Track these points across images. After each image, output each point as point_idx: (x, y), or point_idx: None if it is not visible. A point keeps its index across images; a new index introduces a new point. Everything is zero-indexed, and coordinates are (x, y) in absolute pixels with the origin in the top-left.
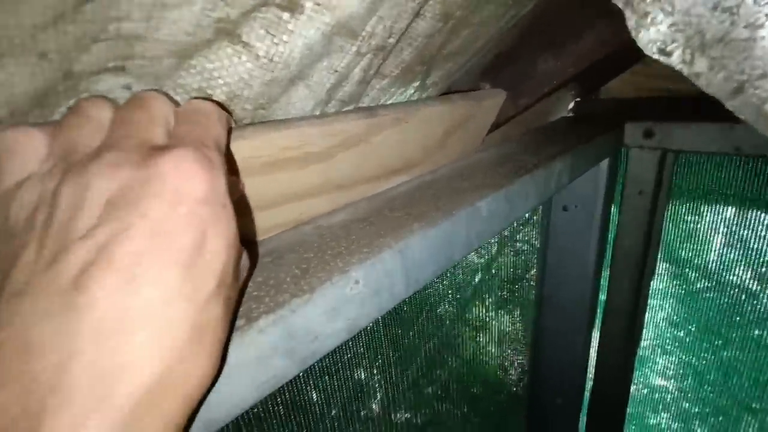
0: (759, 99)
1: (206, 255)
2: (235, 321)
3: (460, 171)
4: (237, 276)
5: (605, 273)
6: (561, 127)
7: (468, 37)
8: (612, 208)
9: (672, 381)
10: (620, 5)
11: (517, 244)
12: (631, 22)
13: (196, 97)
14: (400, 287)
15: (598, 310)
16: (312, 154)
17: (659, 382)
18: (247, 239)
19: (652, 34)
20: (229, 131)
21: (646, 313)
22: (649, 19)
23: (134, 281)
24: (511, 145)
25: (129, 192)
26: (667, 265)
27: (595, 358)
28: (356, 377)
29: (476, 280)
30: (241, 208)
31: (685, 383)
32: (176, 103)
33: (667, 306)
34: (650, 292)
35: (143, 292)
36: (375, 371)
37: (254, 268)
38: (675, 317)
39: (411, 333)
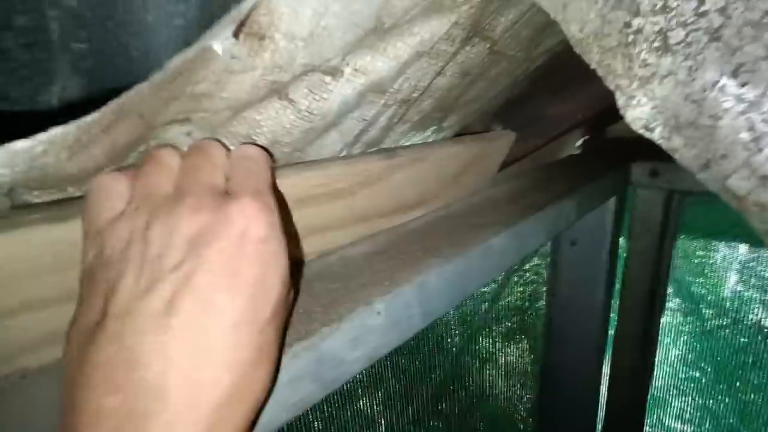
0: (721, 175)
1: (266, 286)
2: (284, 343)
3: (473, 207)
4: (287, 305)
5: (614, 308)
6: (569, 164)
7: (483, 88)
8: (620, 244)
9: (688, 425)
10: (611, 87)
11: (526, 277)
12: (620, 101)
13: (244, 143)
14: (417, 319)
15: (608, 347)
16: (337, 190)
17: (675, 425)
18: (294, 262)
19: (638, 113)
20: (273, 170)
21: (660, 352)
22: (635, 101)
23: (211, 308)
24: (521, 181)
25: (207, 233)
26: (681, 302)
27: (606, 395)
28: (360, 406)
29: (484, 312)
30: (290, 238)
31: (702, 428)
32: (227, 148)
33: (681, 344)
34: (663, 329)
35: (218, 316)
36: (379, 401)
37: (297, 296)
38: (690, 356)
39: (417, 364)
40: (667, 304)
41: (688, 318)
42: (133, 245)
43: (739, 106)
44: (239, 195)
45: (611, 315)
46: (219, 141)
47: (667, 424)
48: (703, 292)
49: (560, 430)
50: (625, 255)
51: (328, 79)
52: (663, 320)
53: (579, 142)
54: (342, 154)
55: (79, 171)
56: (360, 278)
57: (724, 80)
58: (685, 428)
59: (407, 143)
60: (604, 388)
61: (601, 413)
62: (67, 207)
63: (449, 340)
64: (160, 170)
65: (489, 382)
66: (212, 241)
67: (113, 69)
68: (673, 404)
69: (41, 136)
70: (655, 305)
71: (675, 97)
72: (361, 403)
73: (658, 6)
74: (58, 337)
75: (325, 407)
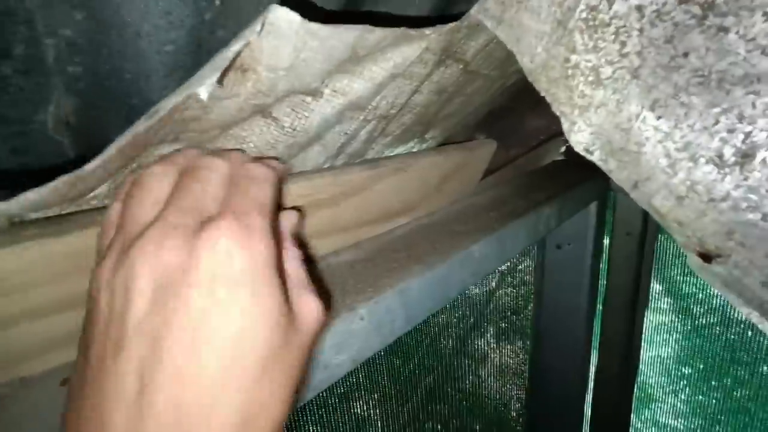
0: (647, 195)
1: (247, 340)
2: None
3: (455, 214)
4: (294, 348)
5: (599, 308)
6: (551, 171)
7: (461, 103)
8: (604, 246)
9: (680, 421)
10: (557, 113)
11: (514, 280)
12: (565, 126)
13: (257, 157)
14: (399, 323)
15: (594, 345)
16: (321, 200)
17: (667, 421)
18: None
19: (579, 138)
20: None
21: (650, 350)
22: (576, 127)
23: (183, 378)
24: (503, 189)
25: (172, 276)
26: (670, 301)
27: (592, 394)
28: (355, 409)
29: (473, 315)
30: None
31: (695, 423)
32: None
33: (672, 342)
34: (654, 327)
35: (192, 389)
36: (372, 403)
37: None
38: (681, 353)
39: (408, 365)
40: (656, 303)
41: (678, 316)
42: (101, 293)
43: (657, 136)
44: (213, 222)
45: (596, 314)
46: (239, 150)
47: (658, 421)
48: (692, 290)
49: (548, 429)
50: (607, 257)
51: (308, 99)
52: (653, 319)
53: (563, 149)
54: (325, 166)
55: (77, 194)
56: (344, 285)
57: (644, 113)
58: (677, 425)
59: (391, 154)
60: (590, 388)
61: (588, 412)
62: (63, 222)
63: (441, 341)
64: (144, 197)
65: (478, 383)
66: (178, 288)
67: (106, 90)
68: (665, 401)
69: (49, 186)
70: (638, 305)
71: (608, 125)
72: (352, 405)
73: (590, 45)
74: (55, 344)
75: (315, 409)
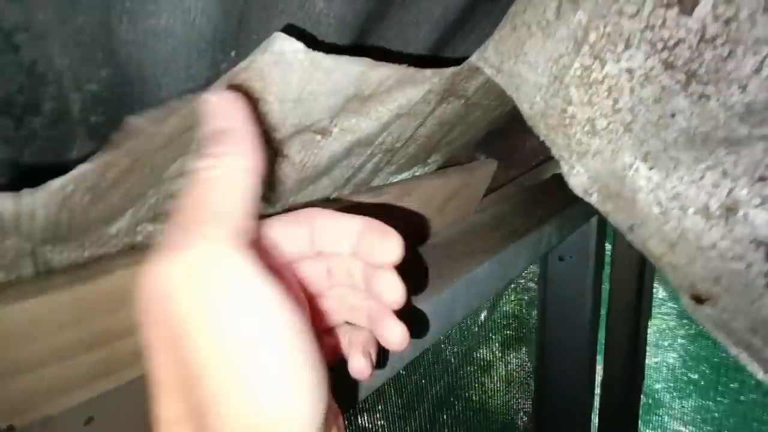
0: (641, 238)
1: None
2: None
3: (459, 235)
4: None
5: (603, 316)
6: (552, 187)
7: (462, 130)
8: (606, 255)
9: (688, 426)
10: (556, 157)
11: (518, 290)
12: (564, 169)
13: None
14: (407, 350)
15: (599, 355)
16: None
17: (675, 426)
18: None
19: (578, 181)
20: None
21: (657, 355)
22: (575, 171)
23: None
24: (504, 206)
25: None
26: (676, 306)
27: (599, 401)
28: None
29: (478, 327)
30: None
31: (704, 429)
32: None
33: (678, 347)
34: (660, 333)
35: None
36: (377, 414)
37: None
38: (687, 358)
39: (414, 375)
40: (662, 308)
41: (683, 321)
42: None
43: (650, 185)
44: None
45: (600, 324)
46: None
47: (666, 427)
48: None
49: None
50: (611, 265)
51: (318, 137)
52: (659, 324)
53: None
54: (332, 196)
55: (99, 218)
56: None
57: (637, 163)
58: (685, 430)
59: (395, 180)
60: (597, 395)
61: (596, 420)
62: (88, 267)
63: (447, 349)
64: None
65: (484, 393)
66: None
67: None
68: (672, 406)
69: (70, 174)
70: (642, 312)
71: (604, 172)
72: (357, 416)
73: (585, 100)
74: (78, 383)
75: None
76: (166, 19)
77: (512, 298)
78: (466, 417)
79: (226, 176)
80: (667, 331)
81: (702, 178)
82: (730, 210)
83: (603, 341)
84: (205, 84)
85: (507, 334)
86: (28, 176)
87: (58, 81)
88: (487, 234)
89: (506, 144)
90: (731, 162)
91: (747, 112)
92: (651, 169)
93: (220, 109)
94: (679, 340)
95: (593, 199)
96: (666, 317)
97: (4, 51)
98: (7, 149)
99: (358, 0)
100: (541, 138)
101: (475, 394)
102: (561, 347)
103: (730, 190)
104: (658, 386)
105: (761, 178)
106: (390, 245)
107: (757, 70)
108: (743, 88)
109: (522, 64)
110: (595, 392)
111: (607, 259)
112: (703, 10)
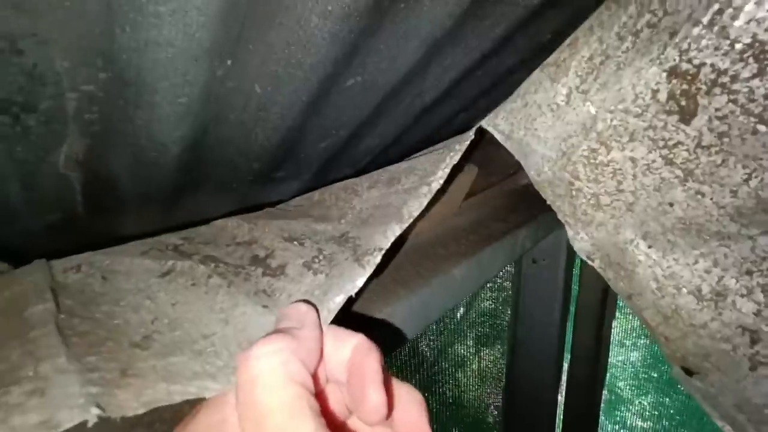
0: (639, 308)
1: None
2: None
3: (438, 238)
4: None
5: (572, 316)
6: (528, 193)
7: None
8: (576, 261)
9: (648, 422)
10: (563, 221)
11: (493, 291)
12: (569, 233)
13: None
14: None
15: (567, 350)
16: None
17: (636, 423)
18: None
19: (582, 246)
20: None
21: (621, 354)
22: (579, 236)
23: None
24: (483, 211)
25: None
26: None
27: (564, 394)
28: None
29: (455, 324)
30: None
31: (660, 424)
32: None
33: (640, 346)
34: (624, 332)
35: None
36: None
37: None
38: (648, 357)
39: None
40: (626, 309)
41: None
42: None
43: (648, 261)
44: None
45: (569, 325)
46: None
47: (626, 422)
48: None
49: (524, 427)
50: (579, 269)
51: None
52: (624, 324)
53: None
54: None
55: None
56: None
57: (637, 240)
58: (644, 425)
59: None
60: (563, 391)
61: (561, 413)
62: None
63: (423, 344)
64: None
65: (456, 388)
66: None
67: (117, 132)
68: (633, 402)
69: None
70: (607, 313)
71: (606, 242)
72: None
73: (591, 177)
74: None
75: None
76: (168, 31)
77: (488, 296)
78: (440, 411)
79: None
80: (630, 331)
81: (696, 263)
82: (719, 296)
83: (570, 339)
84: (202, 86)
85: (482, 330)
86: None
87: (57, 83)
88: (464, 237)
89: (486, 153)
90: (722, 253)
91: (737, 213)
92: (650, 247)
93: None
94: (642, 340)
95: (596, 264)
96: (631, 317)
97: (8, 55)
98: (1, 145)
99: (351, 16)
100: (548, 202)
101: (449, 389)
102: (532, 344)
103: (720, 278)
104: (621, 383)
105: (748, 272)
106: (372, 406)
107: (746, 181)
108: (734, 193)
109: (532, 137)
110: (562, 386)
111: (577, 262)
112: (699, 122)
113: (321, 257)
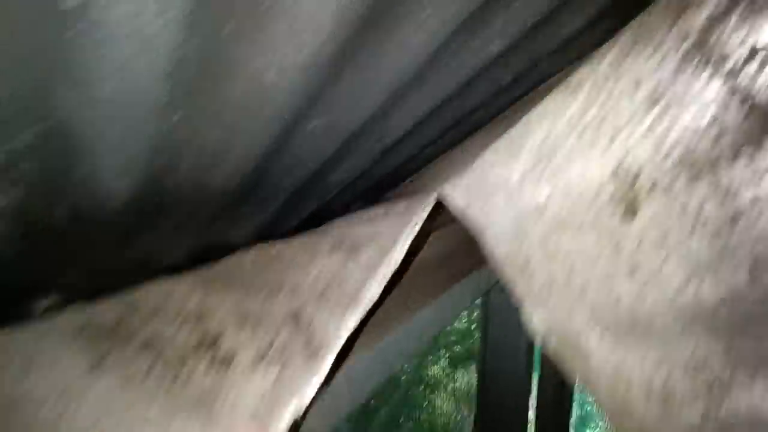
0: (594, 393)
1: None
2: None
3: (406, 276)
4: None
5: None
6: None
7: None
8: None
9: None
10: (519, 299)
11: (464, 317)
12: (525, 312)
13: None
14: (344, 401)
15: (535, 373)
16: None
17: None
18: None
19: (536, 327)
20: None
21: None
22: (534, 318)
23: None
24: (451, 243)
25: None
26: None
27: (535, 412)
28: None
29: (429, 345)
30: None
31: None
32: None
33: None
34: None
35: None
36: None
37: None
38: None
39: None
40: None
41: None
42: None
43: (601, 351)
44: None
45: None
46: None
47: None
48: None
49: None
50: None
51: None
52: None
53: None
54: None
55: None
56: None
57: (590, 329)
58: None
59: None
60: (533, 406)
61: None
62: None
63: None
64: None
65: (431, 407)
66: None
67: (56, 184)
68: (599, 420)
69: None
70: None
71: (561, 327)
72: None
73: (546, 263)
74: None
75: None
76: (112, 87)
77: (463, 318)
78: (413, 429)
79: None
80: None
81: (645, 358)
82: (668, 395)
83: (539, 359)
84: (147, 141)
85: (455, 350)
86: None
87: None
88: (431, 275)
89: None
90: (668, 352)
91: (680, 313)
92: (602, 338)
93: None
94: None
95: (551, 344)
96: None
97: None
98: None
99: (310, 69)
100: (505, 280)
101: (423, 412)
102: (501, 367)
103: (668, 377)
104: (590, 400)
105: (694, 373)
106: None
107: (687, 282)
108: (677, 292)
109: (487, 215)
110: (532, 405)
111: None
112: (642, 220)
113: (273, 348)
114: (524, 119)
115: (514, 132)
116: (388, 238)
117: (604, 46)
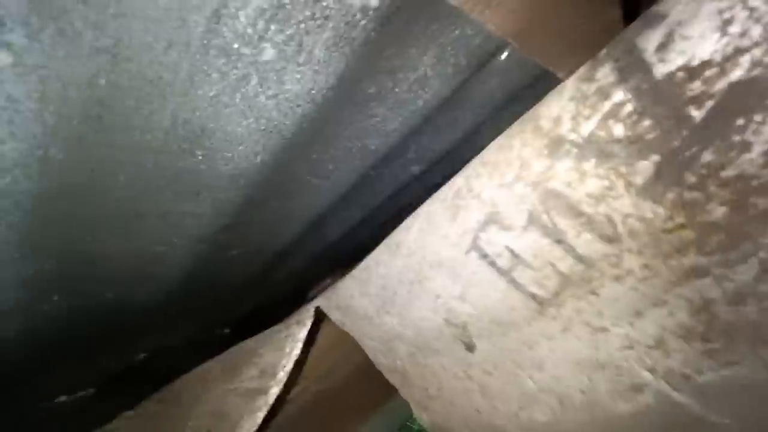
0: None
1: None
2: None
3: (317, 401)
4: None
5: None
6: None
7: None
8: None
9: None
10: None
11: None
12: (414, 412)
13: None
14: None
15: None
16: None
17: None
18: None
19: (427, 423)
20: None
21: None
22: (422, 417)
23: None
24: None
25: None
26: None
27: None
28: None
29: None
30: None
31: None
32: None
33: None
34: None
35: None
36: None
37: None
38: None
39: None
40: None
41: None
42: None
43: None
44: None
45: None
46: None
47: None
48: None
49: None
50: None
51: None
52: None
53: None
54: None
55: None
56: None
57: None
58: None
59: None
60: None
61: None
62: None
63: None
64: None
65: None
66: None
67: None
68: None
69: None
70: None
71: (445, 428)
72: None
73: (417, 374)
74: None
75: None
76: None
77: None
78: None
79: None
80: None
81: None
82: None
83: None
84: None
85: None
86: None
87: None
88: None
89: None
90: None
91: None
92: None
93: None
94: None
95: None
96: None
97: None
98: None
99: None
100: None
101: None
102: None
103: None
104: None
105: None
106: None
107: (518, 412)
108: (509, 419)
109: (361, 330)
110: None
111: None
112: (480, 353)
113: None
114: (370, 257)
115: (363, 264)
116: (268, 359)
117: None
